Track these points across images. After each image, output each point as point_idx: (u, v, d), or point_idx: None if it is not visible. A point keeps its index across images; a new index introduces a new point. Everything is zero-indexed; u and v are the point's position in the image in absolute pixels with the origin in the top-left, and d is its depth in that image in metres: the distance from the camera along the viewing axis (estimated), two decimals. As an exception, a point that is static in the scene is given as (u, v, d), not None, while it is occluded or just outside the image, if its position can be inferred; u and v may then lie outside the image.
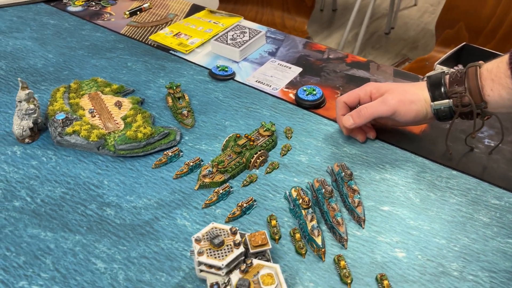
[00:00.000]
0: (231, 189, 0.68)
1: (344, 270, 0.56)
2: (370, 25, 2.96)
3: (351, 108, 0.76)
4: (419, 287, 0.55)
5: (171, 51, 1.00)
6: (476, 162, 0.74)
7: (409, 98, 0.68)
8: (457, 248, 0.60)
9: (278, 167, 0.72)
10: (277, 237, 0.61)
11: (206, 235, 0.54)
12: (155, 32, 1.08)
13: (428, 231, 0.62)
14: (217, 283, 0.52)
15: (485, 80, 0.64)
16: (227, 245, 0.53)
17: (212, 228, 0.55)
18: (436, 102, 0.67)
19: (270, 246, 0.54)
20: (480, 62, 0.66)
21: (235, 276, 0.50)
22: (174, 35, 1.05)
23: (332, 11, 3.14)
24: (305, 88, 0.86)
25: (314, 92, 0.85)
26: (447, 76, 0.68)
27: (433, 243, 0.61)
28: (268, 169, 0.71)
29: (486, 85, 0.64)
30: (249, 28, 1.04)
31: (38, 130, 0.77)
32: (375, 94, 0.71)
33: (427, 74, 0.69)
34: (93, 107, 0.80)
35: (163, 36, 1.04)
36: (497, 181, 0.70)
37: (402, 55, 2.77)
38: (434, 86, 0.67)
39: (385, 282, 0.55)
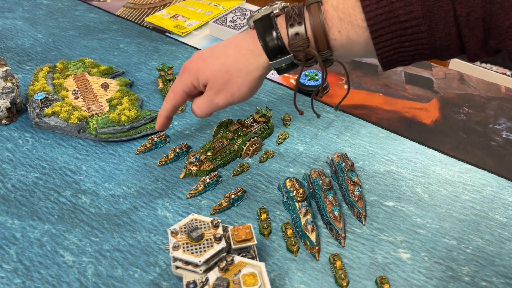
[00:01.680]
0: (220, 179, 0.62)
1: (340, 271, 0.50)
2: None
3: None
4: (424, 293, 0.49)
5: (167, 33, 0.95)
6: (493, 156, 0.67)
7: (238, 82, 0.52)
8: (469, 250, 0.53)
9: (272, 156, 0.66)
10: (266, 232, 0.55)
11: (184, 228, 0.48)
12: (152, 14, 1.02)
13: (437, 230, 0.55)
14: (194, 282, 0.46)
15: (331, 19, 0.47)
16: (207, 240, 0.47)
17: (192, 220, 0.49)
18: (275, 61, 0.50)
19: (255, 242, 0.47)
20: None
21: (214, 275, 0.44)
22: (171, 17, 0.99)
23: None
24: (307, 73, 0.80)
25: (317, 77, 0.79)
26: (280, 19, 0.49)
27: (442, 244, 0.54)
28: (261, 158, 0.65)
29: (332, 26, 0.47)
30: (250, 11, 0.98)
31: (17, 111, 0.71)
32: (198, 86, 0.55)
33: (253, 18, 0.51)
34: (77, 88, 0.74)
35: (160, 18, 0.99)
36: (516, 177, 0.63)
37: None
38: (268, 42, 0.49)
39: (386, 286, 0.48)
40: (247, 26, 0.92)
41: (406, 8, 0.43)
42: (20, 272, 0.50)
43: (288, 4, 0.50)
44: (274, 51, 0.50)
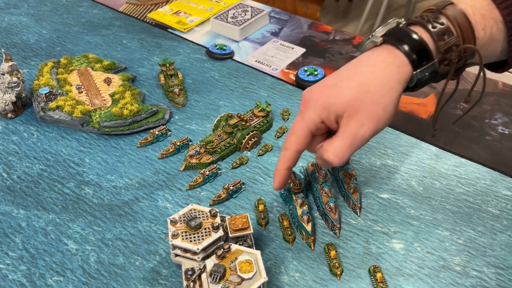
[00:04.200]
0: (219, 171, 0.63)
1: (334, 260, 0.51)
2: (387, 16, 2.86)
3: None
4: (416, 281, 0.50)
5: (169, 29, 0.96)
6: (488, 150, 0.68)
7: (384, 102, 0.45)
8: (461, 241, 0.54)
9: (271, 150, 0.67)
10: (264, 223, 0.56)
11: (183, 217, 0.50)
12: (155, 10, 1.03)
13: (430, 221, 0.57)
14: (192, 269, 0.47)
15: (474, 16, 0.44)
16: (205, 228, 0.49)
17: (191, 210, 0.50)
18: (419, 70, 0.45)
19: (251, 231, 0.49)
20: (440, 2, 0.46)
21: (211, 262, 0.46)
22: (173, 13, 1.00)
23: (348, 1, 3.06)
24: (306, 69, 0.81)
25: (316, 73, 0.80)
26: (412, 27, 0.46)
27: (434, 235, 0.55)
28: (260, 151, 0.67)
29: (476, 24, 0.44)
30: (251, 7, 0.99)
31: (22, 105, 0.73)
32: (329, 120, 0.46)
33: (377, 35, 0.47)
34: (81, 83, 0.76)
35: (162, 14, 1.00)
36: (509, 171, 0.64)
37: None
38: (412, 48, 0.44)
39: (378, 274, 0.50)
40: (249, 22, 0.93)
41: None
42: (26, 260, 0.52)
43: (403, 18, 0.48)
44: (419, 57, 0.44)
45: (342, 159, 0.45)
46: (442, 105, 0.52)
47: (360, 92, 0.44)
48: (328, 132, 0.49)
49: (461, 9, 0.45)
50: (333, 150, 0.45)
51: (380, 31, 0.47)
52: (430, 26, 0.44)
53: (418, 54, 0.44)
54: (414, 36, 0.44)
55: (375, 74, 0.45)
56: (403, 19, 0.48)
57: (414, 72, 0.45)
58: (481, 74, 0.47)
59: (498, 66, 0.51)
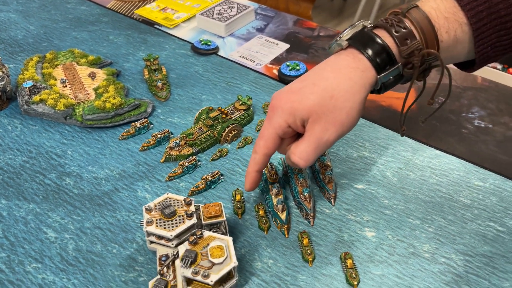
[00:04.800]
0: (199, 163, 0.65)
1: (307, 248, 0.53)
2: (380, 16, 2.88)
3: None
4: (385, 267, 0.52)
5: (155, 25, 0.97)
6: (464, 142, 0.69)
7: (346, 107, 0.46)
8: (431, 229, 0.56)
9: (251, 142, 0.68)
10: (240, 212, 0.58)
11: (158, 205, 0.51)
12: (142, 6, 1.04)
13: (403, 210, 0.58)
14: (166, 255, 0.48)
15: (437, 20, 0.45)
16: (179, 216, 0.50)
17: (166, 198, 0.52)
18: (383, 74, 0.46)
19: (224, 218, 0.50)
20: (405, 5, 0.47)
21: (183, 248, 0.47)
22: (160, 10, 1.02)
23: (342, 0, 3.08)
24: (288, 63, 0.82)
25: (298, 68, 0.81)
26: (377, 31, 0.46)
27: (406, 223, 0.56)
28: (240, 144, 0.68)
29: (440, 27, 0.45)
30: (237, 3, 1.00)
31: (7, 99, 0.74)
32: (295, 124, 0.47)
33: (343, 38, 0.48)
34: (65, 77, 0.77)
35: (149, 11, 1.01)
36: (483, 162, 0.65)
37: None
38: (375, 53, 0.45)
39: (349, 261, 0.51)
40: (235, 18, 0.94)
41: (507, 2, 0.44)
42: (5, 247, 0.53)
43: (370, 21, 0.49)
44: (382, 62, 0.45)
45: (307, 161, 0.47)
46: (408, 107, 0.54)
47: (324, 98, 0.45)
48: (297, 134, 0.50)
49: (425, 12, 0.45)
50: (299, 153, 0.47)
51: (346, 34, 0.48)
52: (393, 30, 0.45)
53: (382, 59, 0.45)
54: (378, 40, 0.45)
55: (339, 79, 0.46)
56: (369, 21, 0.48)
57: (378, 76, 0.46)
58: (450, 75, 0.48)
59: (468, 66, 0.51)
